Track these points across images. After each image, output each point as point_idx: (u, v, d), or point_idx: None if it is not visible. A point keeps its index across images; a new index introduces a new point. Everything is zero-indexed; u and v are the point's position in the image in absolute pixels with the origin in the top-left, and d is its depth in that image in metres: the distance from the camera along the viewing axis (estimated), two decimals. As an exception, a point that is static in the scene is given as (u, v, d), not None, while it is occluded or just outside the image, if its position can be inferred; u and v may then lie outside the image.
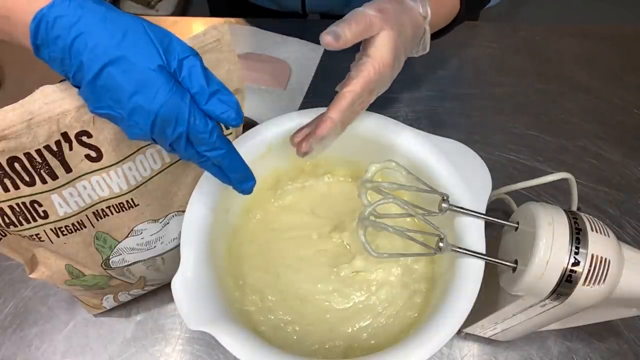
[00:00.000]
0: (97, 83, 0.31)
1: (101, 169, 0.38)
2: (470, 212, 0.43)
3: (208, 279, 0.41)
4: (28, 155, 0.35)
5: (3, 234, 0.40)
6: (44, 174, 0.36)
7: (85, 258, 0.43)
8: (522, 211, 0.44)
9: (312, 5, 0.79)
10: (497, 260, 0.42)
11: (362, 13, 0.42)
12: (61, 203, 0.38)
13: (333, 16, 0.82)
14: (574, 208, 0.56)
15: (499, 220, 0.44)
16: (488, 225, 0.43)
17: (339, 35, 0.40)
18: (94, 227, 0.42)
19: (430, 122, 0.71)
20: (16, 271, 0.56)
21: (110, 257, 0.45)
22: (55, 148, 0.35)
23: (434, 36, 0.52)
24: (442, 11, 0.52)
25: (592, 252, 0.38)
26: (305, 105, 0.69)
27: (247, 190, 0.39)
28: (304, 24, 0.81)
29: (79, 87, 0.32)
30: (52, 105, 0.34)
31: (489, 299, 0.46)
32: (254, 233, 0.52)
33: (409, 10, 0.46)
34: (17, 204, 0.37)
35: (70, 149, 0.36)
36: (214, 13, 0.95)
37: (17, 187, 0.36)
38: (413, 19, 0.46)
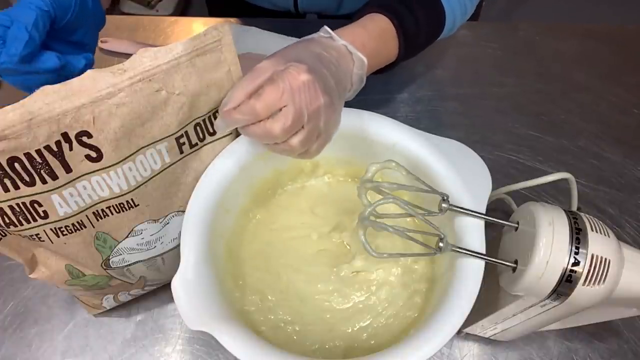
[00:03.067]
0: None
1: (101, 169, 0.38)
2: (470, 212, 0.43)
3: (208, 279, 0.41)
4: (28, 155, 0.35)
5: (3, 234, 0.40)
6: (44, 174, 0.36)
7: (86, 258, 0.43)
8: (522, 211, 0.44)
9: (304, 5, 0.79)
10: (497, 260, 0.42)
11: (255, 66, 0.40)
12: (61, 203, 0.38)
13: (329, 16, 0.82)
14: (574, 208, 0.56)
15: (499, 220, 0.44)
16: (488, 225, 0.43)
17: (226, 103, 0.39)
18: (94, 227, 0.42)
19: (430, 122, 0.71)
20: (16, 271, 0.56)
21: (111, 257, 0.45)
22: (55, 148, 0.35)
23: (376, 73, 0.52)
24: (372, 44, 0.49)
25: (592, 252, 0.38)
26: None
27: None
28: (303, 24, 0.81)
29: None
30: (52, 105, 0.34)
31: (489, 299, 0.46)
32: (254, 233, 0.52)
33: (312, 40, 0.45)
34: (17, 204, 0.37)
35: (71, 149, 0.36)
36: (212, 13, 0.95)
37: (17, 187, 0.36)
38: (323, 44, 0.44)
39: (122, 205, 0.41)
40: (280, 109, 0.38)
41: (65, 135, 0.35)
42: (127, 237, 0.44)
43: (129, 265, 0.46)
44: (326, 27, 0.46)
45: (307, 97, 0.38)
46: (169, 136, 0.40)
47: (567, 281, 0.38)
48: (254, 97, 0.38)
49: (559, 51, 0.80)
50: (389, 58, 0.52)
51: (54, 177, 0.37)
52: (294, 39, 0.76)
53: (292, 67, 0.39)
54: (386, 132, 0.49)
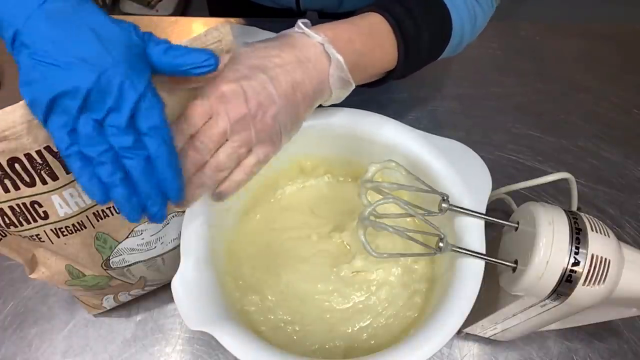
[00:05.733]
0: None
1: (101, 169, 0.38)
2: (470, 212, 0.43)
3: (208, 279, 0.41)
4: (28, 156, 0.35)
5: (3, 235, 0.40)
6: (44, 175, 0.36)
7: (86, 258, 0.43)
8: (522, 211, 0.44)
9: (306, 2, 0.79)
10: (497, 260, 0.42)
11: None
12: (61, 204, 0.38)
13: (329, 15, 0.82)
14: (574, 208, 0.56)
15: (499, 220, 0.44)
16: (488, 225, 0.43)
17: None
18: (94, 227, 0.42)
19: (430, 122, 0.71)
20: (16, 271, 0.56)
21: (111, 257, 0.45)
22: (55, 149, 0.35)
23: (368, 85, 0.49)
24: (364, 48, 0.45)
25: (592, 252, 0.38)
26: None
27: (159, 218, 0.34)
28: (304, 24, 0.81)
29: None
30: (52, 105, 0.34)
31: (489, 299, 0.46)
32: (254, 233, 0.52)
33: (279, 38, 0.42)
34: (18, 205, 0.37)
35: (71, 149, 0.36)
36: (212, 13, 0.95)
37: (17, 188, 0.36)
38: (299, 43, 0.41)
39: (122, 206, 0.41)
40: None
41: (65, 136, 0.35)
42: (127, 237, 0.44)
43: (129, 265, 0.46)
44: (300, 23, 0.42)
45: (230, 107, 0.37)
46: (169, 136, 0.40)
47: (567, 281, 0.38)
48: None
49: (560, 51, 0.80)
50: (386, 60, 0.48)
51: (54, 177, 0.37)
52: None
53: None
54: (386, 132, 0.48)
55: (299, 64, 0.40)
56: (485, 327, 0.49)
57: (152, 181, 0.32)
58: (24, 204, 0.37)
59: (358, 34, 0.44)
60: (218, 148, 0.37)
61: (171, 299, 0.41)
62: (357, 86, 0.45)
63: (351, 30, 0.44)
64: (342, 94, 0.45)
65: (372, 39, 0.45)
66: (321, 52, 0.42)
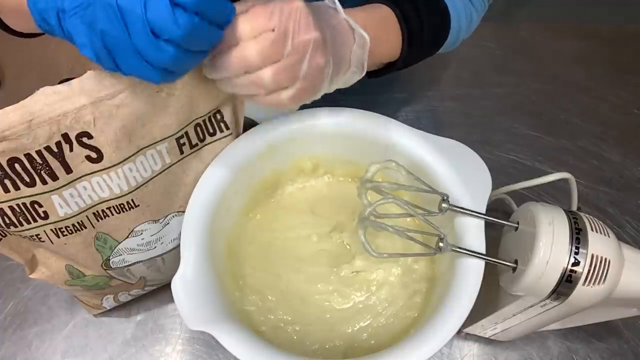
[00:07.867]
0: None
1: (102, 170, 0.38)
2: (470, 212, 0.43)
3: (208, 279, 0.41)
4: (28, 156, 0.35)
5: (3, 235, 0.40)
6: (44, 175, 0.36)
7: (86, 258, 0.43)
8: (522, 211, 0.44)
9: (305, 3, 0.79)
10: (497, 260, 0.42)
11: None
12: (61, 204, 0.38)
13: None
14: (574, 208, 0.56)
15: (499, 220, 0.44)
16: (488, 225, 0.43)
17: None
18: (94, 227, 0.42)
19: (430, 122, 0.71)
20: (16, 271, 0.56)
21: (111, 257, 0.45)
22: (55, 149, 0.35)
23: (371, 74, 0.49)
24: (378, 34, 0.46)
25: (592, 252, 0.38)
26: (305, 104, 0.69)
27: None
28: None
29: None
30: (53, 106, 0.34)
31: (489, 299, 0.46)
32: (254, 233, 0.52)
33: (316, 4, 0.41)
34: (18, 205, 0.37)
35: (71, 150, 0.36)
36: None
37: (17, 188, 0.36)
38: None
39: (122, 206, 0.41)
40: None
41: (65, 136, 0.35)
42: (127, 237, 0.44)
43: (129, 265, 0.47)
44: None
45: (297, 25, 0.35)
46: (169, 137, 0.40)
47: (567, 281, 0.38)
48: (240, 15, 0.34)
49: (559, 51, 0.80)
50: (391, 51, 0.49)
51: (54, 177, 0.37)
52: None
53: None
54: (386, 132, 0.48)
55: (340, 30, 0.41)
56: (485, 327, 0.49)
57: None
58: (24, 204, 0.37)
59: (371, 22, 0.46)
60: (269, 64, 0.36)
61: (171, 299, 0.41)
62: (357, 82, 0.46)
63: (366, 17, 0.45)
64: (352, 79, 0.45)
65: (382, 29, 0.47)
66: (349, 28, 0.42)
